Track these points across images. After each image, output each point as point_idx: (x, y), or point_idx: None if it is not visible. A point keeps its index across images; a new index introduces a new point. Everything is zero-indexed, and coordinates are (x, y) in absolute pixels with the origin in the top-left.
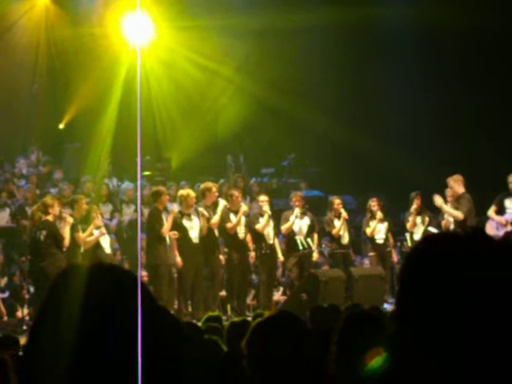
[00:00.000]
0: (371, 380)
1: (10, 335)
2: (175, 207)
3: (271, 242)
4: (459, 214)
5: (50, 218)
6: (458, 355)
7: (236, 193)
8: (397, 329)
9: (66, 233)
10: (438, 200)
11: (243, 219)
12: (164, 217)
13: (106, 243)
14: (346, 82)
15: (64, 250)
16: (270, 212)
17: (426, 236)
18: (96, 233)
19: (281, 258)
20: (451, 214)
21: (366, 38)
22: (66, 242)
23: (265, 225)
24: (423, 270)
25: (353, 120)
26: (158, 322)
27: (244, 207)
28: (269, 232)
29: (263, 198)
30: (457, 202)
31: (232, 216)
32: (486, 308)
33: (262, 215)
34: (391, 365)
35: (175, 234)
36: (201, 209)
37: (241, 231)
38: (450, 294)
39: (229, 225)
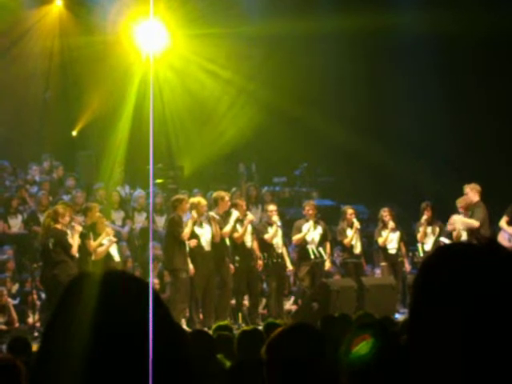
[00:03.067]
0: (356, 365)
1: (20, 337)
2: (194, 213)
3: (280, 250)
4: (474, 222)
5: (58, 226)
6: (471, 366)
7: (241, 202)
8: (409, 339)
9: (75, 241)
10: (457, 222)
11: (249, 227)
12: (183, 224)
13: (114, 251)
14: (360, 91)
15: (74, 257)
16: (279, 223)
17: (440, 247)
18: (106, 242)
19: (289, 266)
20: (467, 224)
21: (382, 46)
22: (74, 250)
23: (273, 235)
24: (436, 281)
25: (366, 129)
26: (166, 334)
27: (249, 216)
28: (277, 241)
29: (272, 207)
30: (471, 209)
31: (237, 225)
32: (500, 320)
33: (270, 225)
34: (377, 352)
35: (195, 241)
36: (212, 213)
37: (247, 239)
38: (463, 305)
39: (236, 235)
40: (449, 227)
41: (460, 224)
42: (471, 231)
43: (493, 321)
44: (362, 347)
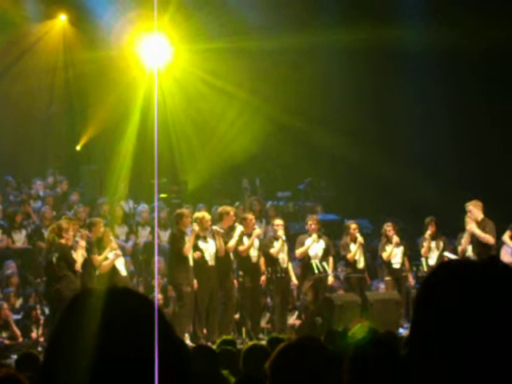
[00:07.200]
0: (353, 350)
1: (30, 353)
2: (195, 226)
3: (285, 265)
4: (490, 239)
5: (63, 240)
6: (471, 380)
7: (249, 216)
8: (410, 353)
9: (79, 256)
10: (471, 227)
11: (256, 242)
12: (186, 238)
13: (121, 265)
14: (363, 105)
15: (78, 272)
16: (284, 237)
17: (442, 263)
18: (111, 256)
19: (295, 281)
20: (484, 239)
21: (385, 60)
22: (78, 265)
23: (279, 249)
24: (437, 297)
25: (370, 143)
26: (169, 350)
27: (257, 230)
28: (283, 256)
29: (278, 221)
30: (480, 226)
31: (245, 239)
32: (500, 336)
33: (276, 239)
34: (373, 337)
35: (198, 253)
36: (215, 227)
37: (253, 254)
38: (463, 321)
39: (241, 247)
40: (462, 241)
41: (478, 236)
42: (477, 246)
43: (493, 337)
44: (358, 331)
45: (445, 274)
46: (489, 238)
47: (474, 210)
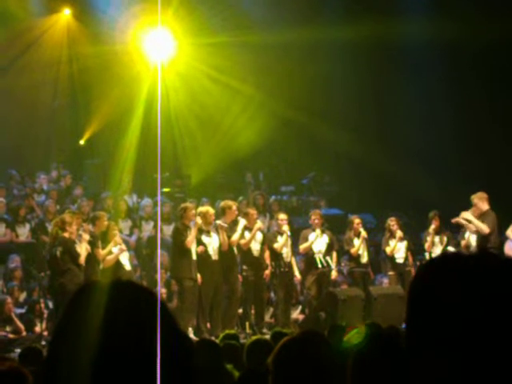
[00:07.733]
0: (350, 355)
1: (33, 347)
2: (198, 219)
3: (289, 260)
4: (485, 228)
5: (66, 234)
6: (465, 374)
7: (251, 211)
8: (407, 349)
9: (82, 249)
10: (465, 214)
11: (260, 236)
12: (189, 232)
13: (125, 259)
14: (367, 100)
15: (82, 266)
16: (289, 232)
17: (430, 259)
18: (115, 250)
19: (298, 276)
20: (478, 227)
21: (388, 55)
22: (82, 258)
23: (283, 244)
24: (432, 292)
25: (373, 138)
26: (172, 344)
27: (258, 224)
28: (287, 250)
29: (282, 216)
30: (482, 218)
31: (247, 233)
32: (490, 332)
33: (280, 234)
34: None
35: (202, 247)
36: (219, 221)
37: (255, 248)
38: (460, 315)
39: (242, 241)
40: (457, 219)
41: (473, 223)
42: (480, 240)
43: (480, 328)
44: (354, 336)
45: (432, 270)
46: (483, 228)
47: (479, 203)
